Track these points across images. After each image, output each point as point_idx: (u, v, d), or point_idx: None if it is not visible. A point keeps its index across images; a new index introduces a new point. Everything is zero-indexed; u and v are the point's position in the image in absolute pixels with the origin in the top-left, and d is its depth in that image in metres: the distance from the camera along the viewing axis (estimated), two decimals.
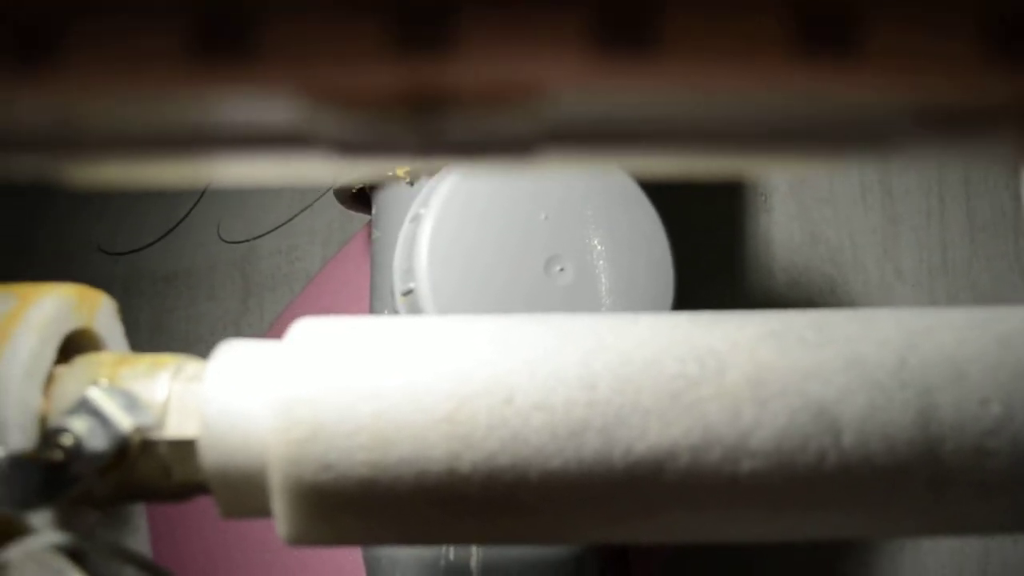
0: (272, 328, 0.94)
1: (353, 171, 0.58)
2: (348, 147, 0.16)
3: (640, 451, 0.30)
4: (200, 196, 0.95)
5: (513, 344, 0.32)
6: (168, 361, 0.36)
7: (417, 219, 0.47)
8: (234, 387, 0.33)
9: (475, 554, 0.52)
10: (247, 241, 0.94)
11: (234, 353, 0.34)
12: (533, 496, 0.30)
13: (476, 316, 0.34)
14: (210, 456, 0.32)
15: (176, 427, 0.33)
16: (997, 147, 0.18)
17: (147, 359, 0.36)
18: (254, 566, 0.87)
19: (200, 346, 0.43)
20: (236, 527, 0.83)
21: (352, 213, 0.95)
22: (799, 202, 0.95)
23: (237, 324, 0.95)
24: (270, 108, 0.15)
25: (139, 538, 0.52)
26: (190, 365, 0.36)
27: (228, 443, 0.32)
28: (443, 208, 0.46)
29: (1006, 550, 0.83)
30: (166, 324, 0.96)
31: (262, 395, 0.32)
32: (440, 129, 0.16)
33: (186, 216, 0.95)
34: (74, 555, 0.33)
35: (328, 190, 0.95)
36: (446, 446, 0.30)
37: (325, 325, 0.34)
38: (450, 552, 0.52)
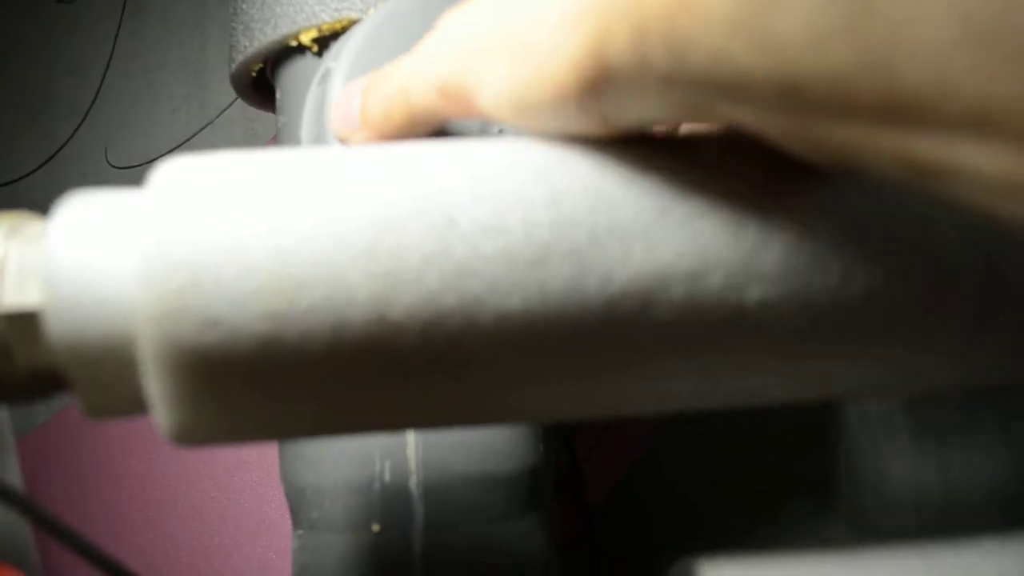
0: None
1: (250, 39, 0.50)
2: None
3: (621, 280, 0.23)
4: (84, 116, 0.84)
5: (454, 162, 0.25)
6: None
7: (327, 74, 0.40)
8: (87, 239, 0.25)
9: (415, 472, 0.45)
10: (140, 166, 0.84)
11: (84, 202, 0.26)
12: (485, 346, 0.24)
13: (403, 142, 0.27)
14: (59, 326, 0.24)
15: (13, 295, 0.25)
16: None
17: None
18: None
19: None
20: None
21: (257, 130, 0.86)
22: None
23: None
24: None
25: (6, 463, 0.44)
26: (31, 224, 0.28)
27: (82, 307, 0.24)
28: (356, 58, 0.39)
29: (967, 452, 0.80)
30: None
31: (125, 244, 0.25)
32: None
33: (69, 140, 0.84)
34: None
35: (228, 106, 0.86)
36: (371, 287, 0.23)
37: (199, 159, 0.26)
38: (385, 473, 0.46)
